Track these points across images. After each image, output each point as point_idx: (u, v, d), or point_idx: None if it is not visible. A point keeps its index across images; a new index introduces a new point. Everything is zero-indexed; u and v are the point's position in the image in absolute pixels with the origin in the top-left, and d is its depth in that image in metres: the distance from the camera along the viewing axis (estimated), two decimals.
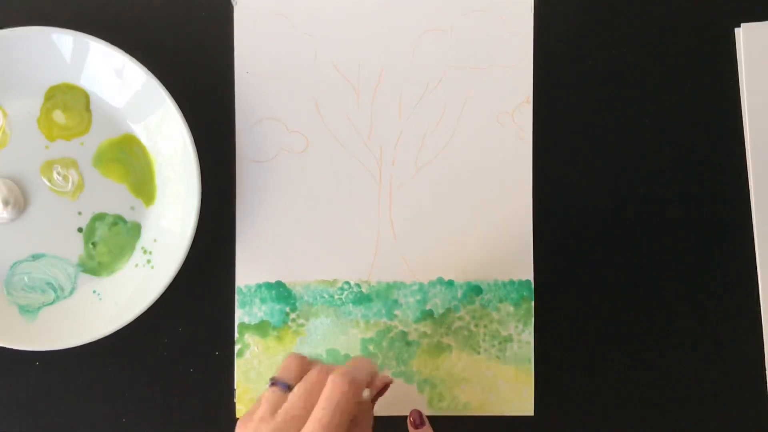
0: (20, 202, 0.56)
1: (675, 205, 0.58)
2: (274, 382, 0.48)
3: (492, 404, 0.58)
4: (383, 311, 0.58)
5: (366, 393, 0.48)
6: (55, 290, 0.57)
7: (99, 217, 0.57)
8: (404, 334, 0.58)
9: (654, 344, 0.58)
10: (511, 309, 0.58)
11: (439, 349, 0.58)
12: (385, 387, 0.52)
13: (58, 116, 0.57)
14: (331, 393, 0.46)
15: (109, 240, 0.57)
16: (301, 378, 0.48)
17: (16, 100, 0.56)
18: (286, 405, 0.47)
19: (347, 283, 0.58)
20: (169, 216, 0.57)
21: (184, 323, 0.58)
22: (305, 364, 0.50)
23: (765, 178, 0.57)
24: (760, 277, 0.58)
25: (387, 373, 0.51)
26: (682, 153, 0.58)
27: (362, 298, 0.58)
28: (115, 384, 0.58)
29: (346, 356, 0.58)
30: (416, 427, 0.54)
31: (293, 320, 0.58)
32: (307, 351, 0.58)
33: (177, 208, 0.56)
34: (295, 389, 0.47)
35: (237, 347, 0.58)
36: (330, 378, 0.46)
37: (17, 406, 0.58)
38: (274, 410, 0.47)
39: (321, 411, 0.45)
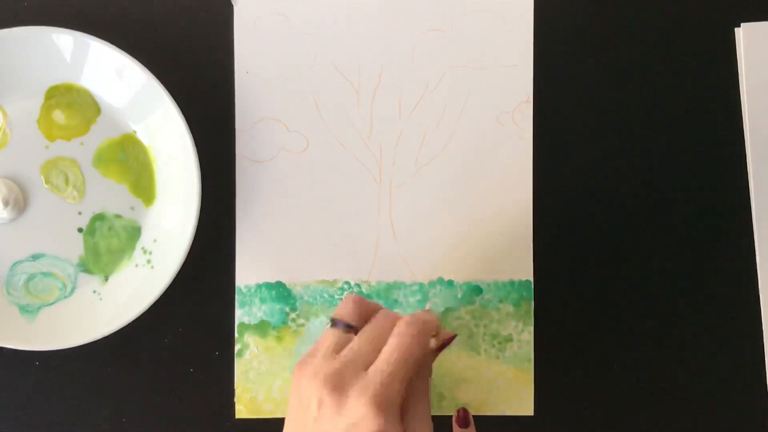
0: (20, 202, 0.56)
1: (675, 205, 0.58)
2: (334, 322, 0.48)
3: (492, 404, 0.58)
4: None
5: (432, 342, 0.48)
6: (54, 290, 0.57)
7: (99, 217, 0.57)
8: None
9: (654, 344, 0.58)
10: (511, 309, 0.58)
11: None
12: (449, 340, 0.51)
13: (58, 116, 0.57)
14: (401, 338, 0.46)
15: (109, 240, 0.57)
16: (362, 319, 0.48)
17: (16, 100, 0.56)
18: (352, 345, 0.46)
19: (347, 283, 0.58)
20: (169, 216, 0.57)
21: (184, 323, 0.58)
22: (365, 306, 0.49)
23: (765, 178, 0.57)
24: (760, 277, 0.58)
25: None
26: (682, 153, 0.58)
27: None
28: (115, 384, 0.58)
29: None
30: (461, 425, 0.54)
31: (293, 320, 0.58)
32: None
33: (177, 208, 0.56)
34: (363, 331, 0.47)
35: (237, 347, 0.58)
36: (401, 323, 0.46)
37: (17, 406, 0.58)
38: (337, 349, 0.46)
39: (390, 354, 0.45)
